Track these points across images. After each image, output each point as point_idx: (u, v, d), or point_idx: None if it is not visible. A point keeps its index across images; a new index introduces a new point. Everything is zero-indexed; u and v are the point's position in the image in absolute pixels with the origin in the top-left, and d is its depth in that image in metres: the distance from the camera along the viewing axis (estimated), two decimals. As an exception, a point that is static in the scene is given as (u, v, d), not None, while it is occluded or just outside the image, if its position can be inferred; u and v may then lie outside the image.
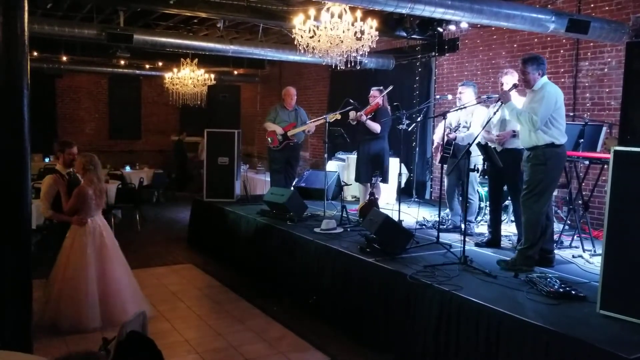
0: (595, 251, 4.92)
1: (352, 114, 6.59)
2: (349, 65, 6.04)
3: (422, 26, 8.14)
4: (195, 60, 10.84)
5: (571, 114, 6.53)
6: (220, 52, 9.05)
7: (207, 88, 11.57)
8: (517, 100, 4.78)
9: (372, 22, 5.69)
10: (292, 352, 4.28)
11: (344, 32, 5.51)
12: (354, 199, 7.99)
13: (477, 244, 5.23)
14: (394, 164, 7.14)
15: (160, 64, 12.77)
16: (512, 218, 6.19)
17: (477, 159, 5.18)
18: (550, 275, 4.00)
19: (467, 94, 5.82)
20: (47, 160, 11.28)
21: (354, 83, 9.75)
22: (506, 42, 7.74)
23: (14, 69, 2.88)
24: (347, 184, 7.38)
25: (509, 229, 5.86)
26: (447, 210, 6.11)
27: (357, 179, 6.86)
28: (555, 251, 4.73)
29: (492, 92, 6.49)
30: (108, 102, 15.27)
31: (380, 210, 5.50)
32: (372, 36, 5.67)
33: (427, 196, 9.01)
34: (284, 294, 5.56)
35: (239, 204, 7.53)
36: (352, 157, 7.99)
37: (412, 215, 6.48)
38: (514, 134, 4.94)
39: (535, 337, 3.12)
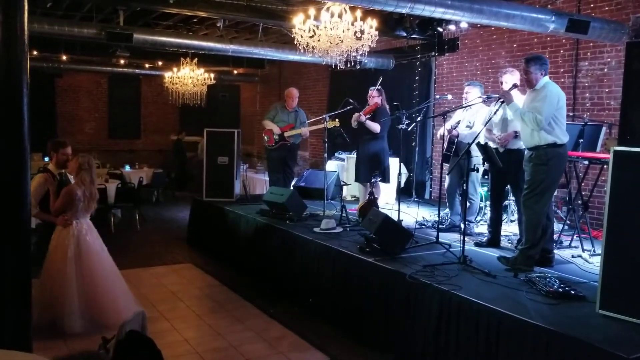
0: (594, 251, 4.92)
1: (354, 119, 6.58)
2: (348, 65, 6.03)
3: (422, 26, 8.15)
4: (195, 60, 10.84)
5: (571, 114, 6.53)
6: (220, 52, 9.05)
7: (207, 87, 11.56)
8: (518, 98, 4.78)
9: (372, 22, 5.69)
10: (292, 352, 4.28)
11: (343, 31, 5.51)
12: (353, 199, 8.00)
13: (476, 244, 5.23)
14: (394, 164, 7.14)
15: (160, 63, 12.78)
16: (512, 218, 6.20)
17: (477, 159, 5.18)
18: (549, 275, 4.00)
19: (473, 94, 5.80)
20: (46, 159, 11.19)
21: (354, 83, 9.74)
22: (506, 42, 7.74)
23: (13, 68, 2.86)
24: (346, 184, 7.38)
25: (508, 229, 5.86)
26: (447, 210, 6.11)
27: (356, 179, 6.86)
28: (555, 251, 4.74)
29: (492, 91, 6.50)
30: (108, 102, 15.26)
31: (380, 210, 5.50)
32: (372, 36, 5.67)
33: (427, 196, 9.02)
34: (284, 293, 5.55)
35: (239, 203, 7.52)
36: (352, 157, 7.98)
37: (411, 215, 6.47)
38: (516, 135, 4.93)
39: (535, 337, 3.12)
